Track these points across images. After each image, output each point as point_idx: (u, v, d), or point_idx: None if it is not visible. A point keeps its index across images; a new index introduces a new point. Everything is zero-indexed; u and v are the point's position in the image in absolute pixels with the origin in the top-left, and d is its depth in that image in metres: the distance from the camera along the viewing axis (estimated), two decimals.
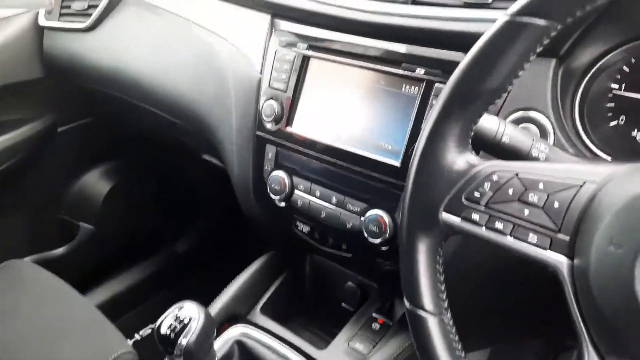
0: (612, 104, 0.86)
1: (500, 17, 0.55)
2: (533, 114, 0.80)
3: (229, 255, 1.82)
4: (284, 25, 1.07)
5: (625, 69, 0.84)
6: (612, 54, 0.82)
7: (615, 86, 0.85)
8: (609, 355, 0.50)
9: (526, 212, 0.55)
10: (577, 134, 0.83)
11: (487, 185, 0.57)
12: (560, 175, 0.55)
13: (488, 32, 0.55)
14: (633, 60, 0.83)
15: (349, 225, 0.95)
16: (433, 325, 0.60)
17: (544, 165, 0.57)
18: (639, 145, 0.83)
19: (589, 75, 0.83)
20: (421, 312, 0.60)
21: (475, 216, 0.58)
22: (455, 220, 0.59)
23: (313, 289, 1.24)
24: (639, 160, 0.54)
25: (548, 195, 0.54)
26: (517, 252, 0.56)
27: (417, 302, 0.61)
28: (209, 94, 1.16)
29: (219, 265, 1.48)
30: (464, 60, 0.57)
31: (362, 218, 0.92)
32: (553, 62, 0.79)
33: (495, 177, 0.57)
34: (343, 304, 1.18)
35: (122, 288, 1.73)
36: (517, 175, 0.57)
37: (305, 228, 1.04)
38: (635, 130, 0.84)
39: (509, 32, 0.54)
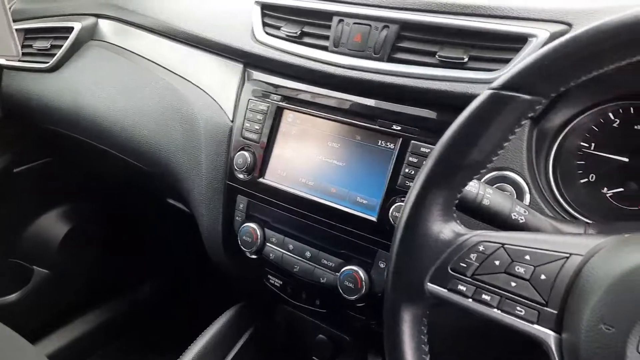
0: (582, 162, 0.88)
1: (485, 90, 0.55)
2: (509, 174, 0.81)
3: (194, 304, 1.76)
4: (257, 75, 1.06)
5: (595, 128, 0.87)
6: (583, 115, 0.84)
7: (585, 145, 0.87)
8: None
9: (513, 284, 0.55)
10: (551, 193, 0.84)
11: (473, 256, 0.57)
12: (546, 246, 0.55)
13: (472, 104, 0.55)
14: (602, 120, 0.86)
15: (323, 281, 0.93)
16: None
17: (530, 236, 0.57)
18: (609, 202, 0.85)
19: (561, 136, 0.85)
20: None
21: (462, 287, 0.57)
22: (441, 291, 0.58)
23: (283, 342, 1.20)
24: (621, 231, 0.55)
25: (534, 268, 0.54)
26: (505, 325, 0.55)
27: None
28: (177, 141, 1.13)
29: (183, 314, 1.43)
30: (448, 132, 0.57)
31: (337, 274, 0.91)
32: (528, 123, 0.80)
33: (481, 248, 0.57)
34: (314, 358, 1.15)
35: (76, 336, 1.65)
36: (503, 246, 0.56)
37: (277, 282, 1.02)
38: (605, 188, 0.86)
39: (494, 105, 0.54)
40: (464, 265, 0.57)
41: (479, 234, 0.58)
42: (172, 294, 1.84)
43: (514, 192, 0.80)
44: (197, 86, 1.14)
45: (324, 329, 1.12)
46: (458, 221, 0.60)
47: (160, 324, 1.70)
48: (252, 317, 1.18)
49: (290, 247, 0.97)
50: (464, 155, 0.56)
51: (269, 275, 1.03)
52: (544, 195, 0.80)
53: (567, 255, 0.54)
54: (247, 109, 1.03)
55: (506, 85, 0.54)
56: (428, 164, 0.58)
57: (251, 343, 1.15)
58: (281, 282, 1.01)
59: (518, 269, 0.55)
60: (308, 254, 0.95)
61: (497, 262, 0.56)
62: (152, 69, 1.22)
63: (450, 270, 0.58)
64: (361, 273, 0.88)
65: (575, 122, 0.84)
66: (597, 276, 0.50)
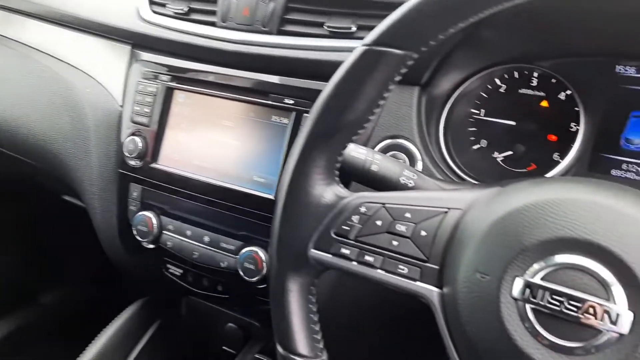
0: (474, 129, 0.89)
1: (357, 47, 0.54)
2: (401, 141, 0.80)
3: (100, 305, 1.67)
4: (145, 55, 1.00)
5: (483, 94, 0.88)
6: (470, 81, 0.86)
7: (476, 111, 0.89)
8: None
9: (395, 243, 0.54)
10: (443, 159, 0.84)
11: (355, 218, 0.55)
12: (426, 203, 0.54)
13: (345, 63, 0.54)
14: (489, 87, 0.87)
15: (223, 265, 0.90)
16: None
17: (411, 194, 0.56)
18: (500, 166, 0.87)
19: (451, 102, 0.86)
20: (296, 358, 0.57)
21: (346, 251, 0.55)
22: (325, 256, 0.56)
23: (191, 334, 1.16)
24: (499, 183, 0.55)
25: (415, 225, 0.53)
26: (389, 285, 0.54)
27: (290, 347, 0.57)
28: (64, 131, 1.06)
29: (91, 317, 1.35)
30: (323, 93, 0.55)
31: (237, 256, 0.88)
32: (416, 90, 0.80)
33: (363, 209, 0.55)
34: (224, 347, 1.11)
35: None
36: (384, 205, 0.55)
37: (177, 271, 0.97)
38: (496, 152, 0.87)
39: (366, 62, 0.53)
40: (347, 228, 0.55)
41: (361, 196, 0.56)
42: (78, 296, 1.74)
43: (407, 159, 0.80)
44: (84, 72, 1.07)
45: (232, 317, 1.09)
46: (340, 184, 0.58)
47: (68, 327, 1.60)
48: (156, 311, 1.12)
49: (188, 233, 0.93)
50: (340, 116, 0.55)
51: (168, 265, 0.98)
52: (435, 161, 0.80)
53: (446, 210, 0.53)
54: (135, 91, 0.98)
55: (377, 41, 0.52)
56: (305, 128, 0.56)
57: (157, 338, 1.09)
58: (181, 271, 0.97)
59: (399, 227, 0.54)
60: (207, 238, 0.91)
61: (378, 223, 0.55)
62: (36, 57, 1.14)
63: (333, 235, 0.56)
64: (261, 253, 0.85)
65: (462, 88, 0.86)
66: (472, 227, 0.50)
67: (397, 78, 0.54)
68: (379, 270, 0.54)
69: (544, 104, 0.85)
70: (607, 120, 0.81)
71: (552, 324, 0.44)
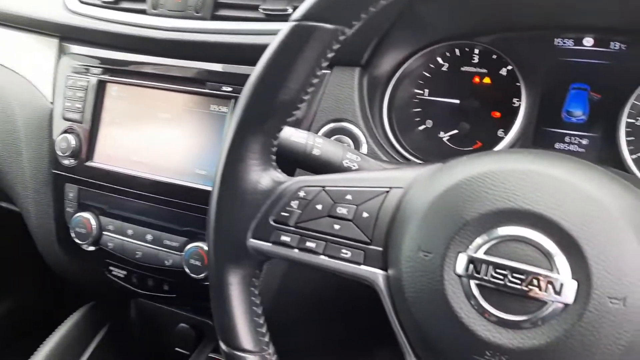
0: (418, 109, 0.88)
1: (286, 24, 0.51)
2: (345, 124, 0.78)
3: (46, 315, 1.59)
4: (74, 48, 0.95)
5: (426, 74, 0.87)
6: (411, 60, 0.84)
7: (420, 91, 0.87)
8: None
9: (336, 227, 0.51)
10: (388, 141, 0.83)
11: (295, 204, 0.53)
12: (367, 184, 0.52)
13: (274, 41, 0.51)
14: (432, 65, 0.86)
15: (168, 263, 0.86)
16: None
17: (351, 176, 0.54)
18: (446, 146, 0.86)
19: (393, 82, 0.84)
20: (240, 354, 0.54)
21: (286, 238, 0.53)
22: (264, 245, 0.53)
23: (142, 337, 1.11)
24: (441, 161, 0.54)
25: (356, 207, 0.51)
26: (333, 271, 0.52)
27: (234, 344, 0.54)
28: None
29: (37, 327, 1.28)
30: (253, 73, 0.52)
31: (182, 253, 0.84)
32: (357, 71, 0.78)
33: (302, 193, 0.53)
34: (177, 349, 1.07)
35: None
36: (324, 188, 0.53)
37: (120, 272, 0.93)
38: (442, 132, 0.86)
39: (296, 38, 0.50)
40: (286, 214, 0.53)
41: (299, 180, 0.54)
42: (25, 306, 1.66)
43: (351, 143, 0.77)
44: (11, 69, 1.01)
45: (184, 317, 1.05)
46: (278, 170, 0.56)
47: (15, 340, 1.52)
48: (103, 316, 1.07)
49: (130, 232, 0.89)
50: (273, 97, 0.52)
51: (110, 267, 0.93)
52: (380, 144, 0.78)
53: (387, 189, 0.51)
54: (66, 87, 0.93)
55: (306, 16, 0.50)
56: (237, 111, 0.53)
57: (106, 343, 1.05)
58: (125, 272, 0.92)
59: (340, 210, 0.52)
60: (149, 237, 0.87)
61: (319, 207, 0.52)
62: None
63: (272, 222, 0.53)
64: (207, 249, 0.82)
65: (404, 67, 0.84)
66: (414, 205, 0.48)
67: (330, 54, 0.51)
68: (322, 256, 0.52)
69: (487, 80, 0.85)
70: (548, 94, 0.81)
71: (497, 299, 0.43)
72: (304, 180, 0.54)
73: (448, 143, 0.86)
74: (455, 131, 0.86)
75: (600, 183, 0.43)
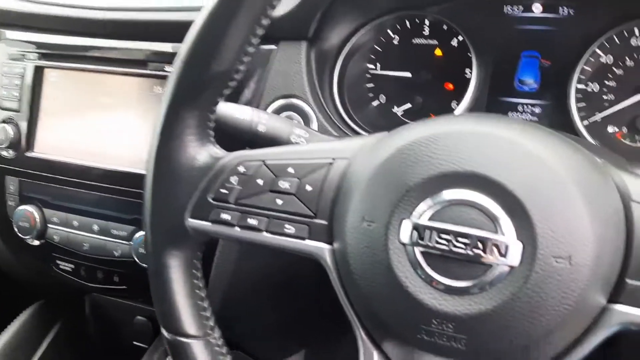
0: (371, 85, 0.86)
1: None
2: (294, 101, 0.76)
3: None
4: (8, 34, 0.90)
5: (377, 48, 0.85)
6: (360, 33, 0.82)
7: (372, 66, 0.85)
8: (383, 341, 0.46)
9: (279, 202, 0.49)
10: (340, 117, 0.81)
11: (234, 180, 0.50)
12: (310, 156, 0.50)
13: (204, 9, 0.48)
14: (382, 39, 0.84)
15: (117, 254, 0.83)
16: (198, 349, 0.51)
17: (293, 148, 0.52)
18: (400, 120, 0.84)
19: (342, 56, 0.82)
20: (183, 340, 0.51)
21: (226, 216, 0.50)
22: (204, 225, 0.51)
23: (98, 333, 1.07)
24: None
25: (299, 180, 0.49)
26: (277, 248, 0.49)
27: (176, 329, 0.52)
28: None
29: None
30: (184, 45, 0.49)
31: (131, 242, 0.81)
32: (304, 45, 0.76)
33: (241, 169, 0.50)
34: (135, 342, 1.04)
35: None
36: (264, 162, 0.50)
37: (67, 266, 0.89)
38: (395, 106, 0.85)
39: (226, 5, 0.47)
40: (225, 191, 0.50)
41: (239, 155, 0.51)
42: None
43: (301, 119, 0.75)
44: None
45: (140, 310, 1.02)
46: (217, 145, 0.53)
47: None
48: (55, 314, 1.03)
49: (76, 223, 0.85)
50: (206, 68, 0.49)
51: (57, 261, 0.90)
52: (332, 120, 0.76)
53: (331, 160, 0.49)
54: (1, 74, 0.88)
55: None
56: (169, 85, 0.50)
57: (60, 341, 1.01)
58: (72, 266, 0.89)
59: (282, 184, 0.49)
60: (96, 227, 0.84)
61: (260, 182, 0.50)
62: None
63: (211, 200, 0.50)
64: None
65: (353, 41, 0.82)
66: (357, 175, 0.46)
67: (264, 21, 0.49)
68: (265, 233, 0.49)
69: (438, 52, 0.83)
70: (500, 63, 0.80)
71: (443, 266, 0.41)
72: (244, 155, 0.51)
73: (402, 118, 0.84)
74: (409, 105, 0.84)
75: (545, 143, 0.42)
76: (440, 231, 0.41)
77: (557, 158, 0.41)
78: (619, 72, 0.75)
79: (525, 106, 0.80)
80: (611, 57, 0.75)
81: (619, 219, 0.41)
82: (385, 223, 0.43)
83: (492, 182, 0.40)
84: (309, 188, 0.49)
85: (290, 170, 0.49)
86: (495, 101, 0.81)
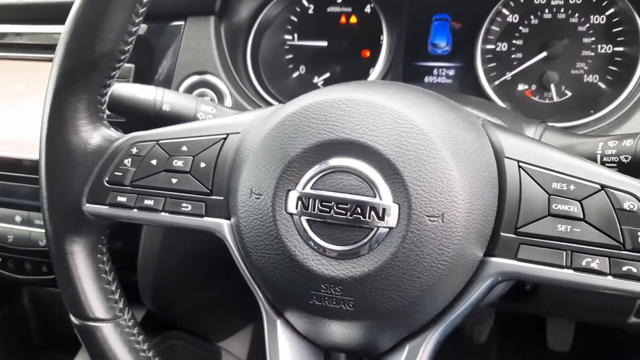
0: (290, 56, 0.86)
1: None
2: (206, 77, 0.75)
3: None
4: None
5: (293, 18, 0.84)
6: (270, 5, 0.81)
7: (289, 37, 0.85)
8: (284, 309, 0.47)
9: (174, 181, 0.49)
10: (256, 92, 0.80)
11: (128, 161, 0.50)
12: (204, 133, 0.50)
13: None
14: (298, 9, 0.84)
15: (42, 243, 0.81)
16: (107, 332, 0.52)
17: (187, 126, 0.52)
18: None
19: (254, 29, 0.81)
20: (91, 324, 0.52)
21: (122, 199, 0.50)
22: (101, 209, 0.50)
23: (39, 324, 1.06)
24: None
25: (193, 158, 0.49)
26: (177, 226, 0.50)
27: (84, 314, 0.52)
28: None
29: None
30: (64, 28, 0.48)
31: None
32: (212, 20, 0.75)
33: (135, 150, 0.50)
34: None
35: None
36: (157, 142, 0.50)
37: None
38: (316, 77, 0.85)
39: None
40: (120, 173, 0.50)
41: (132, 136, 0.51)
42: None
43: (215, 96, 0.75)
44: None
45: None
46: (111, 127, 0.52)
47: None
48: None
49: None
50: (89, 49, 0.48)
51: None
52: (247, 95, 0.76)
53: (224, 136, 0.49)
54: None
55: None
56: (53, 70, 0.49)
57: None
58: None
59: (176, 163, 0.49)
60: (19, 218, 0.82)
61: (153, 162, 0.50)
62: None
63: (106, 184, 0.50)
64: None
65: (264, 13, 0.81)
66: (247, 148, 0.47)
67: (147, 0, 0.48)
68: (162, 213, 0.49)
69: (353, 20, 0.83)
70: (413, 28, 0.81)
71: (327, 232, 0.42)
72: (138, 136, 0.51)
73: (322, 87, 0.84)
74: (328, 74, 0.84)
75: (417, 106, 0.43)
76: (322, 199, 0.42)
77: (427, 119, 0.42)
78: (525, 30, 0.76)
79: (439, 69, 0.81)
80: (517, 16, 0.76)
81: (492, 176, 0.42)
82: (271, 195, 0.43)
83: (367, 148, 0.41)
84: (203, 165, 0.49)
85: (184, 148, 0.49)
86: (410, 66, 0.82)
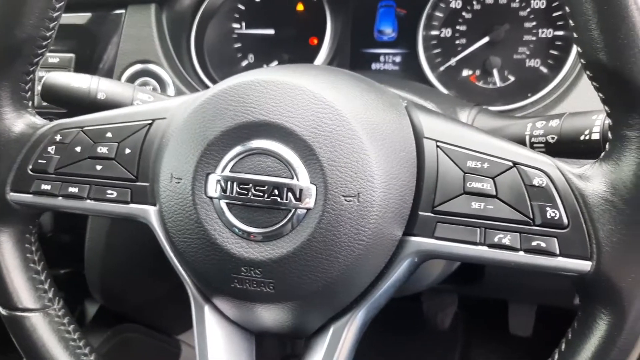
0: (238, 44, 0.85)
1: None
2: (149, 66, 0.74)
3: None
4: None
5: (241, 6, 0.84)
6: None
7: (237, 25, 0.85)
8: (211, 294, 0.47)
9: (98, 167, 0.48)
10: (200, 81, 0.80)
11: (51, 149, 0.49)
12: (129, 119, 0.49)
13: None
14: None
15: None
16: (36, 322, 0.51)
17: (113, 113, 0.51)
18: None
19: (198, 18, 0.80)
20: (19, 314, 0.51)
21: (46, 187, 0.49)
22: (26, 197, 0.50)
23: None
24: None
25: (118, 144, 0.49)
26: (103, 214, 0.49)
27: (12, 305, 0.51)
28: None
29: None
30: None
31: None
32: (153, 7, 0.74)
33: (59, 137, 0.49)
34: None
35: None
36: (82, 129, 0.49)
37: None
38: (265, 65, 0.84)
39: None
40: (44, 161, 0.49)
41: (57, 123, 0.50)
42: None
43: (158, 85, 0.74)
44: None
45: None
46: (36, 115, 0.52)
47: None
48: None
49: None
50: (8, 36, 0.47)
51: None
52: (191, 84, 0.75)
53: (150, 121, 0.49)
54: None
55: None
56: None
57: None
58: None
59: (101, 149, 0.49)
60: None
61: (78, 149, 0.49)
62: None
63: (30, 172, 0.49)
64: None
65: (207, 2, 0.80)
66: (170, 132, 0.46)
67: None
68: (88, 201, 0.49)
69: (300, 7, 0.83)
70: (359, 15, 0.81)
71: (246, 215, 0.42)
72: (62, 123, 0.50)
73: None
74: (276, 62, 0.84)
75: (335, 87, 0.43)
76: (240, 181, 0.42)
77: (344, 100, 0.42)
78: (468, 16, 0.77)
79: (386, 56, 0.81)
80: (460, 2, 0.77)
81: (410, 155, 0.43)
82: (191, 179, 0.43)
83: (283, 129, 0.41)
84: (128, 151, 0.48)
85: (109, 135, 0.49)
86: (358, 53, 0.82)
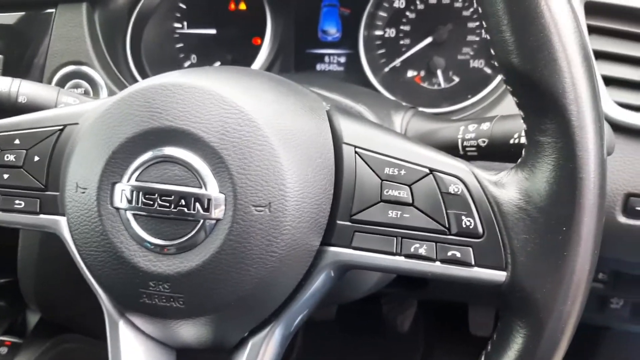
0: (180, 45, 0.82)
1: None
2: (82, 68, 0.71)
3: None
4: None
5: (182, 5, 0.81)
6: None
7: (179, 25, 0.82)
8: (125, 310, 0.45)
9: (6, 176, 0.46)
10: (135, 82, 0.77)
11: None
12: (40, 124, 0.47)
13: None
14: None
15: None
16: None
17: (22, 118, 0.48)
18: None
19: (134, 17, 0.78)
20: None
21: None
22: None
23: None
24: None
25: (26, 152, 0.46)
26: (11, 224, 0.47)
27: None
28: None
29: None
30: None
31: None
32: (84, 6, 0.71)
33: None
34: None
35: None
36: None
37: None
38: (208, 66, 0.82)
39: None
40: None
41: None
42: None
43: (90, 88, 0.71)
44: None
45: None
46: None
47: None
48: None
49: None
50: None
51: None
52: (126, 86, 0.73)
53: (61, 127, 0.46)
54: None
55: None
56: None
57: None
58: None
59: (8, 157, 0.46)
60: None
61: None
62: None
63: None
64: None
65: (144, 1, 0.78)
66: (77, 140, 0.44)
67: None
68: (2, 213, 0.46)
69: (242, 6, 0.81)
70: (302, 15, 0.79)
71: (152, 226, 0.40)
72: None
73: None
74: (219, 63, 0.82)
75: (247, 91, 0.41)
76: (146, 191, 0.39)
77: (256, 105, 0.40)
78: (411, 16, 0.76)
79: (331, 57, 0.80)
80: (403, 2, 0.75)
81: (328, 162, 0.41)
82: (96, 188, 0.41)
83: (191, 136, 0.39)
84: (37, 159, 0.46)
85: (17, 141, 0.46)
86: (302, 54, 0.81)
